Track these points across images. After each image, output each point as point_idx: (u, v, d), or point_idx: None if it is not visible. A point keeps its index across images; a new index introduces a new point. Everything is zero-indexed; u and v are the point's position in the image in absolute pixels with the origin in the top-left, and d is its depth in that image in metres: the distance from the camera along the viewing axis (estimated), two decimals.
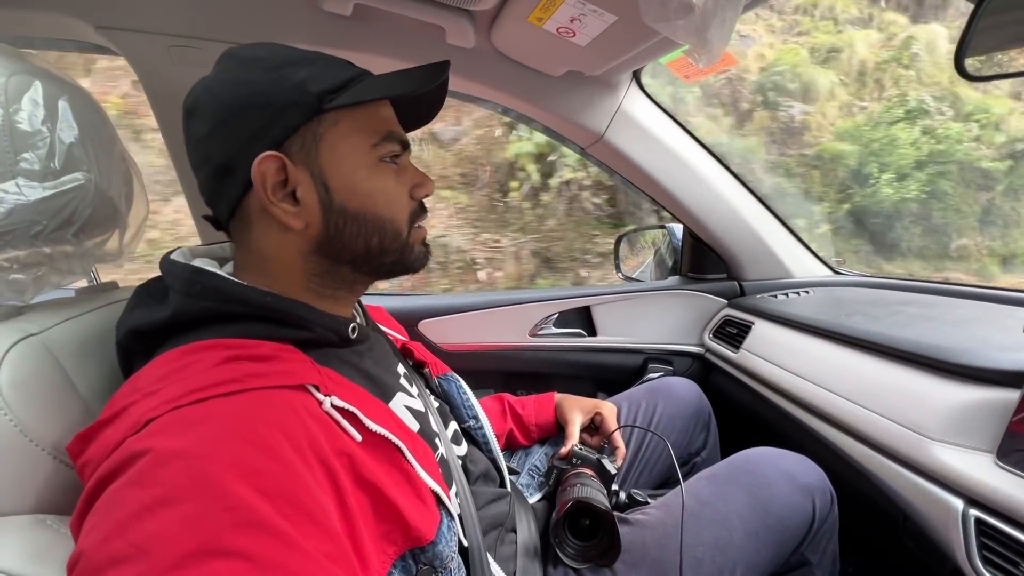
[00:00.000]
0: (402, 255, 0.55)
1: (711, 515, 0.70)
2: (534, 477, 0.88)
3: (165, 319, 0.46)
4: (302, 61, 0.49)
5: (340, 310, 0.55)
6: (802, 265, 1.29)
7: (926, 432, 0.68)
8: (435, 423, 0.60)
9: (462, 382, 0.76)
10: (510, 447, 0.92)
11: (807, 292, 1.23)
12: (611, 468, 0.77)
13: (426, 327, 1.24)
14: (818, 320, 0.98)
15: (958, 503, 0.62)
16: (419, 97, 0.57)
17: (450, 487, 0.54)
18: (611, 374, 1.34)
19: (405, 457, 0.47)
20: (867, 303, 1.05)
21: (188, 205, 0.94)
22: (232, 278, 0.48)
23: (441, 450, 0.57)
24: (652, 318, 1.32)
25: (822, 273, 1.30)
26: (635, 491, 0.81)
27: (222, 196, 0.50)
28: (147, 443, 0.35)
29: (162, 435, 0.36)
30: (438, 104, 0.62)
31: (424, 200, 0.58)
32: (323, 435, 0.41)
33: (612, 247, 1.57)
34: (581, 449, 0.80)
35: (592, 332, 1.32)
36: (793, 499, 0.72)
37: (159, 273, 0.51)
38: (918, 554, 0.72)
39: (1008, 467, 0.60)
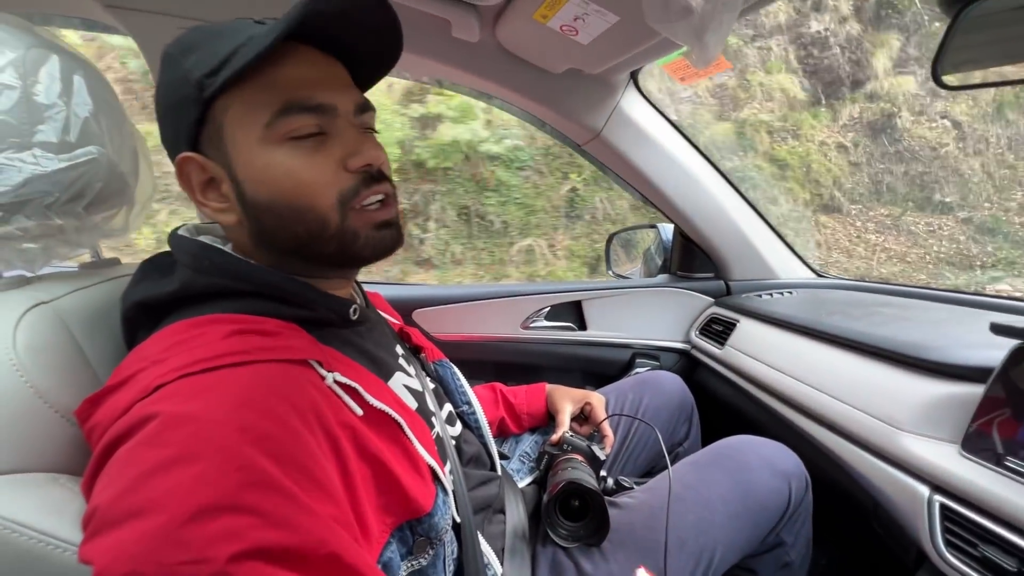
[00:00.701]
0: (342, 243, 0.48)
1: (695, 498, 0.73)
2: (524, 463, 0.90)
3: (172, 292, 0.47)
4: (194, 44, 0.44)
5: (337, 291, 0.56)
6: (787, 267, 1.33)
7: (897, 424, 0.72)
8: (431, 403, 0.62)
9: (456, 369, 0.78)
10: (502, 434, 0.95)
11: (790, 293, 1.27)
12: (600, 454, 0.80)
13: (420, 317, 1.25)
14: (799, 319, 1.02)
15: (924, 490, 0.66)
16: (354, 30, 0.46)
17: (444, 464, 0.56)
18: (600, 367, 1.37)
19: (404, 432, 0.49)
20: (847, 304, 1.09)
21: None
22: (238, 255, 0.49)
23: (437, 429, 0.59)
24: (641, 314, 1.35)
25: (805, 275, 1.35)
26: (622, 477, 0.84)
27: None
28: (157, 407, 0.36)
29: (172, 400, 0.37)
30: (393, 56, 0.52)
31: (381, 170, 0.49)
32: (327, 407, 0.43)
33: None
34: (572, 436, 0.82)
35: (582, 326, 1.35)
36: (771, 483, 0.75)
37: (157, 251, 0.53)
38: (886, 539, 0.76)
39: (971, 457, 0.64)
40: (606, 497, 0.77)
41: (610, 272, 1.56)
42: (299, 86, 0.45)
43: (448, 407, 0.70)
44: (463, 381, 0.77)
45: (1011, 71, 0.51)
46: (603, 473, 0.81)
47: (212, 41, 0.44)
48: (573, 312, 1.36)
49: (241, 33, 0.44)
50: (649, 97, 1.13)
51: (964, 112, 4.38)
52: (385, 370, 0.56)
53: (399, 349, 0.64)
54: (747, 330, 1.15)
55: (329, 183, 0.46)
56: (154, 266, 0.52)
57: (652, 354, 1.36)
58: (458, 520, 0.55)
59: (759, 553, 0.77)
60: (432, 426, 0.58)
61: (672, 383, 1.03)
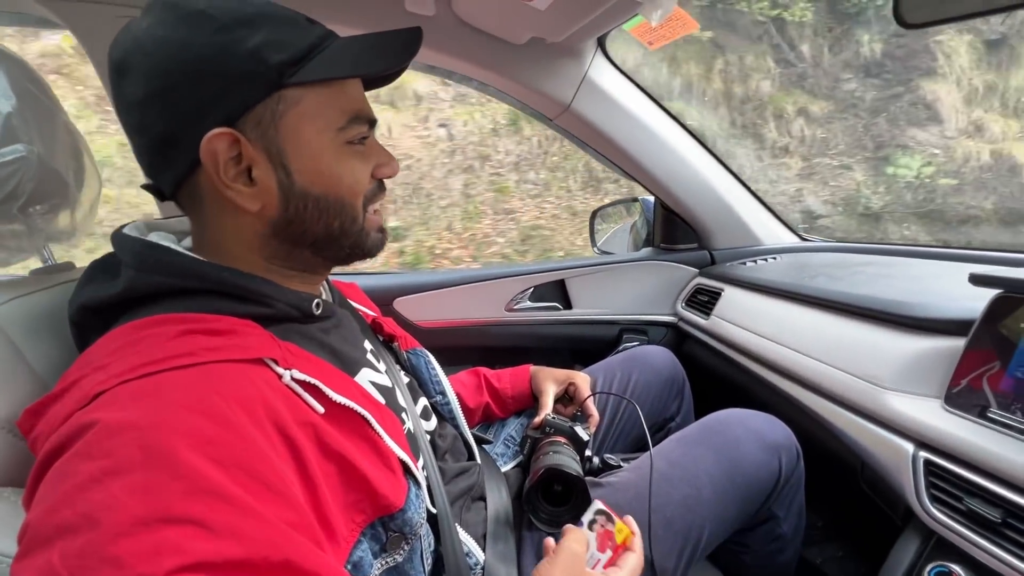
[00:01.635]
0: (359, 239, 0.53)
1: (681, 475, 0.72)
2: (509, 447, 0.89)
3: (116, 295, 0.45)
4: (255, 18, 0.44)
5: (305, 288, 0.54)
6: (770, 232, 1.31)
7: (880, 382, 0.71)
8: (403, 398, 0.61)
9: (431, 357, 0.76)
10: (488, 419, 0.93)
11: (774, 258, 1.26)
12: (584, 435, 0.79)
13: (402, 304, 1.23)
14: (783, 284, 1.01)
15: (909, 447, 0.66)
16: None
17: (417, 459, 0.54)
18: (587, 345, 1.36)
19: (372, 427, 0.48)
20: (830, 265, 1.08)
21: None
22: (188, 253, 0.47)
23: (408, 424, 0.57)
24: (626, 289, 1.34)
25: (789, 240, 1.33)
26: (608, 456, 0.83)
27: (164, 169, 0.47)
28: (95, 415, 0.34)
29: (110, 407, 0.35)
30: (403, 70, 0.58)
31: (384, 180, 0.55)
32: (284, 407, 0.41)
33: None
34: (554, 418, 0.81)
35: (568, 305, 1.33)
36: (760, 457, 0.74)
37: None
38: (875, 499, 0.76)
39: (954, 411, 0.63)
40: (591, 477, 0.77)
41: (595, 248, 1.54)
42: (360, 100, 0.51)
43: (423, 401, 0.69)
44: (438, 370, 0.75)
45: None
46: (588, 453, 0.80)
47: (280, 22, 0.45)
48: (558, 291, 1.34)
49: (303, 26, 0.47)
50: (619, 65, 1.09)
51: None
52: (350, 365, 0.54)
53: (368, 344, 0.62)
54: (732, 298, 1.14)
55: (364, 185, 0.51)
56: (102, 267, 0.50)
57: (640, 329, 1.35)
58: (434, 511, 0.54)
59: (751, 527, 0.77)
60: (403, 421, 0.56)
61: (661, 357, 1.02)
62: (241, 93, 0.43)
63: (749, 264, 1.25)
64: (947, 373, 0.65)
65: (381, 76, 0.56)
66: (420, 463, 0.55)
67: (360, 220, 0.52)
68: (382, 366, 0.61)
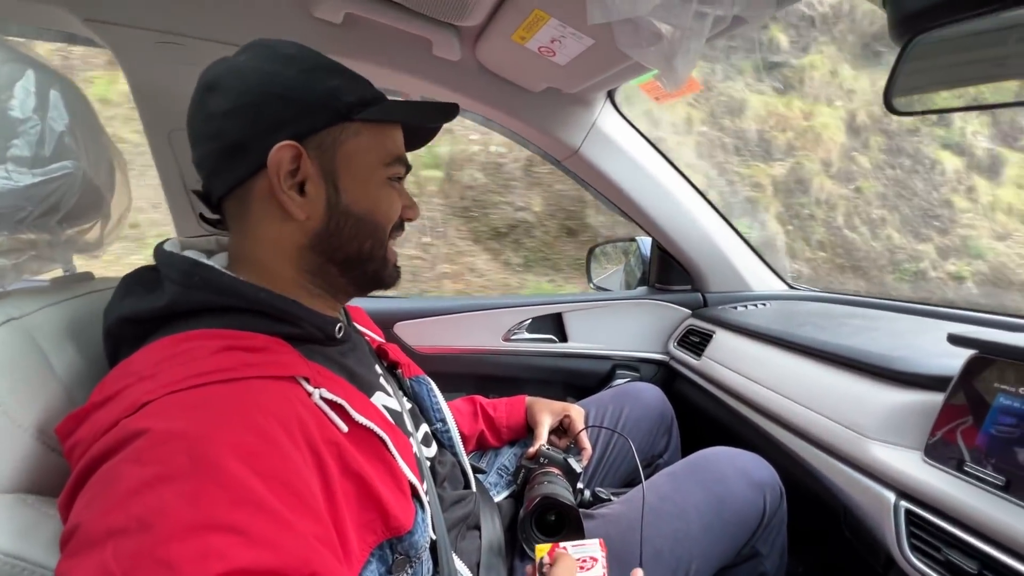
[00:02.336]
0: (381, 267, 0.58)
1: (671, 509, 0.74)
2: (502, 476, 0.90)
3: (160, 308, 0.47)
4: (333, 69, 0.54)
5: (326, 310, 0.57)
6: (760, 280, 1.37)
7: (864, 431, 0.74)
8: (409, 424, 0.63)
9: (432, 385, 0.78)
10: (481, 448, 0.94)
11: (764, 305, 1.31)
12: (577, 467, 0.81)
13: (402, 329, 1.25)
14: (772, 330, 1.05)
15: (890, 496, 0.68)
16: (423, 129, 0.65)
17: (423, 483, 0.56)
18: (581, 379, 1.38)
19: (388, 449, 0.50)
20: (817, 315, 1.13)
21: (166, 200, 0.94)
22: (228, 272, 0.49)
23: (414, 449, 0.59)
24: (621, 326, 1.37)
25: (778, 287, 1.38)
26: (599, 489, 0.85)
27: (226, 173, 0.51)
28: (144, 423, 0.36)
29: (159, 416, 0.37)
30: (434, 135, 0.68)
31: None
32: (313, 424, 0.43)
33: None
34: (549, 449, 0.83)
35: (563, 338, 1.36)
36: (746, 494, 0.77)
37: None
38: (856, 545, 0.78)
39: (933, 463, 0.66)
40: (583, 509, 0.78)
41: (591, 284, 1.58)
42: (401, 147, 0.59)
43: (424, 428, 0.70)
44: (439, 397, 0.77)
45: (959, 99, 0.54)
46: (580, 485, 0.81)
47: (351, 76, 0.55)
48: (554, 324, 1.37)
49: (367, 84, 0.56)
50: (625, 115, 1.16)
51: None
52: (367, 388, 0.57)
53: (379, 368, 0.65)
54: (723, 341, 1.18)
55: (395, 216, 0.58)
56: (138, 281, 0.52)
57: (632, 366, 1.38)
58: (434, 538, 0.55)
59: (735, 564, 0.78)
60: (411, 445, 0.58)
61: (652, 394, 1.05)
62: (313, 118, 0.51)
63: (740, 309, 1.29)
64: (927, 426, 0.69)
65: (419, 136, 0.66)
66: (425, 487, 0.57)
67: (384, 246, 0.58)
68: (391, 390, 0.63)
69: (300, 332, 0.50)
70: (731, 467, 0.80)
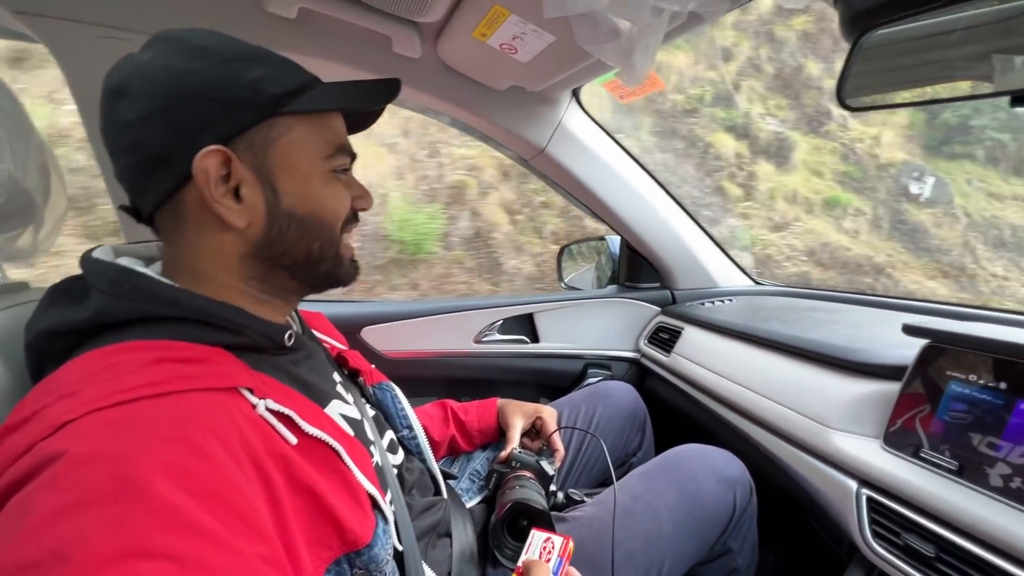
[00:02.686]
0: (335, 265, 0.55)
1: (643, 509, 0.74)
2: (475, 481, 0.89)
3: (85, 320, 0.43)
4: (254, 58, 0.48)
5: (275, 317, 0.54)
6: (726, 276, 1.39)
7: (827, 422, 0.76)
8: (370, 431, 0.60)
9: (397, 391, 0.76)
10: (453, 453, 0.93)
11: (730, 300, 1.33)
12: (549, 470, 0.80)
13: (369, 334, 1.22)
14: (738, 325, 1.07)
15: (852, 484, 0.70)
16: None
17: (385, 493, 0.54)
18: (553, 380, 1.38)
19: (342, 460, 0.47)
20: (781, 309, 1.15)
21: (112, 202, 0.89)
22: (162, 279, 0.46)
23: (376, 458, 0.57)
24: (592, 325, 1.38)
25: (744, 283, 1.41)
26: (572, 491, 0.84)
27: (150, 187, 0.47)
28: (62, 445, 0.33)
29: (79, 437, 0.34)
30: (379, 116, 0.63)
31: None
32: (257, 437, 0.41)
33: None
34: (520, 452, 0.82)
35: (535, 339, 1.35)
36: (717, 491, 0.77)
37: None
38: (822, 535, 0.80)
39: (892, 450, 0.68)
40: (556, 512, 0.77)
41: (562, 284, 1.58)
42: (343, 135, 0.55)
43: (390, 434, 0.68)
44: (404, 404, 0.75)
45: (907, 94, 0.56)
46: (553, 488, 0.81)
47: (276, 63, 0.50)
48: (526, 325, 1.36)
49: (296, 70, 0.51)
50: (591, 114, 1.16)
51: None
52: (321, 397, 0.54)
53: (337, 376, 0.62)
54: (691, 337, 1.19)
55: (344, 211, 0.54)
56: (65, 291, 0.48)
57: (604, 364, 1.39)
58: (400, 549, 0.53)
59: (707, 561, 0.79)
60: (371, 455, 0.56)
61: (624, 393, 1.05)
62: (237, 117, 0.46)
63: (708, 305, 1.31)
64: (885, 415, 0.71)
65: (362, 117, 0.61)
66: (388, 497, 0.55)
67: (337, 245, 0.54)
68: (350, 398, 0.61)
69: (245, 341, 0.48)
70: (701, 464, 0.80)
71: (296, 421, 0.45)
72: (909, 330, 0.72)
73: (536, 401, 0.95)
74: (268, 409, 0.43)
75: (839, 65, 0.52)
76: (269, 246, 0.50)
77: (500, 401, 0.94)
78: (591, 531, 0.71)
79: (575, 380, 1.37)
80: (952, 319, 0.73)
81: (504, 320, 1.33)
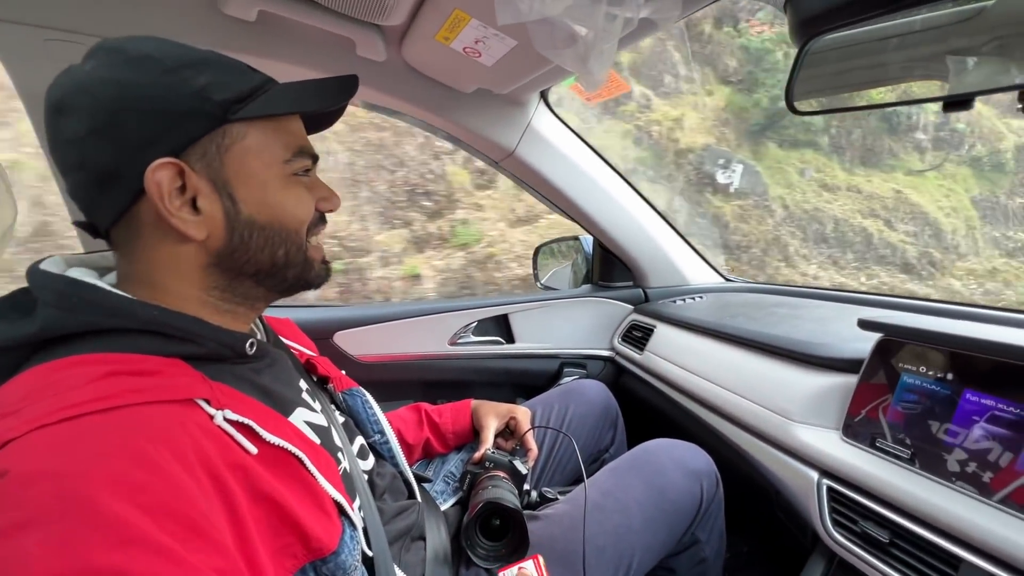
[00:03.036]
0: (303, 270, 0.54)
1: (613, 505, 0.75)
2: (449, 483, 0.89)
3: (32, 334, 0.42)
4: (201, 63, 0.47)
5: (238, 325, 0.54)
6: (697, 273, 1.42)
7: (790, 415, 0.78)
8: (339, 438, 0.60)
9: (368, 396, 0.75)
10: (428, 455, 0.93)
11: (701, 297, 1.36)
12: (522, 469, 0.80)
13: (342, 339, 1.21)
14: (707, 322, 1.09)
15: (814, 475, 0.72)
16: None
17: (354, 500, 0.54)
18: (529, 379, 1.38)
19: (306, 468, 0.47)
20: (748, 305, 1.18)
21: (68, 211, 0.86)
22: (115, 290, 0.45)
23: (344, 464, 0.57)
24: (566, 325, 1.39)
25: (714, 280, 1.44)
26: (546, 489, 0.85)
27: (104, 204, 0.46)
28: (4, 465, 0.32)
29: (23, 456, 0.33)
30: (341, 113, 0.62)
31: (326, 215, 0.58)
32: (214, 449, 0.40)
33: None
34: (494, 452, 0.82)
35: (510, 339, 1.36)
36: (684, 484, 0.79)
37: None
38: (788, 525, 0.82)
39: (850, 441, 0.71)
40: (529, 511, 0.78)
41: (538, 284, 1.59)
42: (302, 137, 0.54)
43: (360, 440, 0.68)
44: (375, 409, 0.75)
45: (856, 99, 0.58)
46: (527, 487, 0.81)
47: (225, 67, 0.48)
48: (501, 326, 1.37)
49: (246, 72, 0.50)
50: (560, 116, 1.17)
51: None
52: (284, 405, 0.53)
53: (303, 384, 0.62)
54: (663, 335, 1.21)
55: (308, 215, 0.53)
56: (11, 305, 0.47)
57: (579, 363, 1.40)
58: (369, 554, 0.53)
59: (676, 552, 0.80)
60: (339, 462, 0.55)
61: (596, 391, 1.06)
62: (186, 128, 0.45)
63: (679, 302, 1.33)
64: (844, 407, 0.73)
65: (323, 117, 0.60)
66: (356, 504, 0.54)
67: (303, 248, 0.53)
68: (317, 406, 0.61)
69: (202, 351, 0.47)
70: (669, 459, 0.82)
71: (256, 431, 0.44)
72: (864, 324, 0.74)
73: (512, 401, 0.95)
74: (226, 419, 0.43)
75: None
76: (231, 255, 0.49)
77: (474, 402, 0.95)
78: (562, 528, 0.72)
79: (551, 379, 1.38)
80: (908, 312, 0.76)
81: (479, 321, 1.33)
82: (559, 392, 1.06)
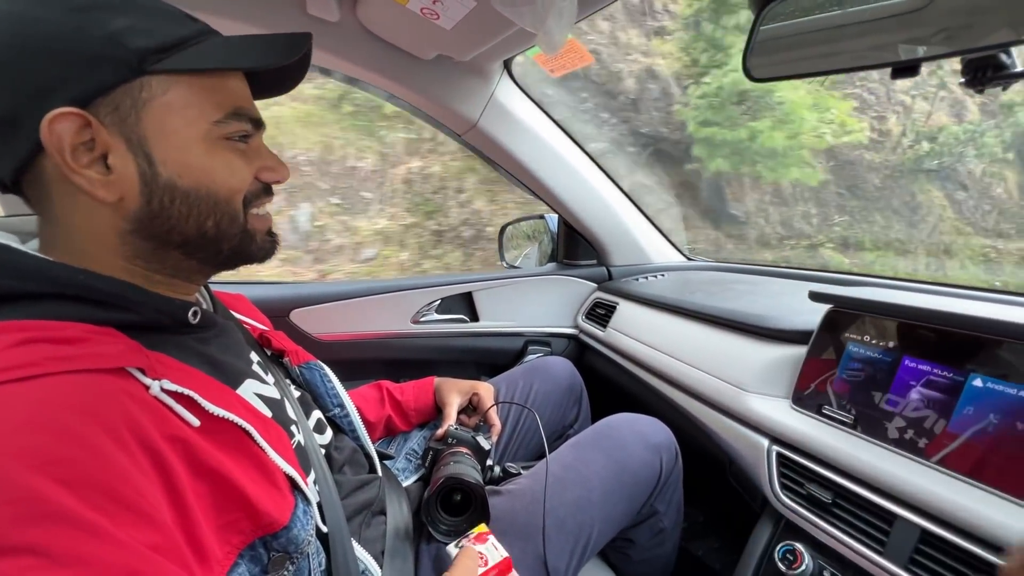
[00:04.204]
0: (241, 242, 0.50)
1: (573, 478, 0.76)
2: (411, 460, 0.88)
3: None
4: (121, 5, 0.42)
5: (177, 294, 0.50)
6: (660, 252, 1.44)
7: (743, 385, 0.80)
8: (293, 411, 0.58)
9: (327, 370, 0.73)
10: (390, 433, 0.92)
11: (663, 275, 1.38)
12: (485, 445, 0.80)
13: (299, 317, 1.17)
14: (668, 299, 1.11)
15: (764, 442, 0.75)
16: (282, 69, 0.51)
17: (308, 473, 0.52)
18: (493, 358, 1.38)
19: (255, 441, 0.45)
20: (708, 283, 1.20)
21: None
22: (36, 254, 0.41)
23: (298, 437, 0.55)
24: (531, 303, 1.38)
25: (676, 259, 1.46)
26: (509, 464, 0.85)
27: (2, 153, 0.42)
28: None
29: None
30: (299, 76, 0.56)
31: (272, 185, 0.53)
32: (150, 421, 0.38)
33: None
34: (457, 429, 0.82)
35: (475, 317, 1.35)
36: (644, 457, 0.81)
37: None
38: (740, 492, 0.85)
39: (799, 409, 0.73)
40: (492, 486, 0.78)
41: (503, 262, 1.58)
42: (242, 98, 0.48)
43: (317, 414, 0.66)
44: (335, 382, 0.73)
45: (811, 63, 0.58)
46: (490, 462, 0.81)
47: (150, 12, 0.43)
48: (464, 304, 1.35)
49: (180, 20, 0.45)
50: (524, 88, 1.14)
51: None
52: (233, 377, 0.51)
53: (254, 356, 0.59)
54: (625, 312, 1.23)
55: (243, 184, 0.49)
56: None
57: (544, 341, 1.40)
58: (324, 530, 0.52)
59: (635, 524, 0.82)
60: (292, 435, 0.53)
61: (561, 367, 1.07)
62: (94, 75, 0.40)
63: (641, 280, 1.35)
64: (794, 376, 0.76)
65: (276, 80, 0.54)
66: (311, 478, 0.53)
67: (241, 221, 0.49)
68: (270, 378, 0.58)
69: (137, 319, 0.43)
70: (630, 432, 0.83)
71: (198, 402, 0.42)
72: (814, 296, 0.77)
73: (476, 380, 0.94)
74: (164, 390, 0.40)
75: None
76: (151, 222, 0.45)
77: (437, 380, 0.94)
78: (523, 502, 0.72)
79: (515, 357, 1.38)
80: (857, 287, 0.79)
81: (442, 299, 1.31)
82: (524, 369, 1.06)
